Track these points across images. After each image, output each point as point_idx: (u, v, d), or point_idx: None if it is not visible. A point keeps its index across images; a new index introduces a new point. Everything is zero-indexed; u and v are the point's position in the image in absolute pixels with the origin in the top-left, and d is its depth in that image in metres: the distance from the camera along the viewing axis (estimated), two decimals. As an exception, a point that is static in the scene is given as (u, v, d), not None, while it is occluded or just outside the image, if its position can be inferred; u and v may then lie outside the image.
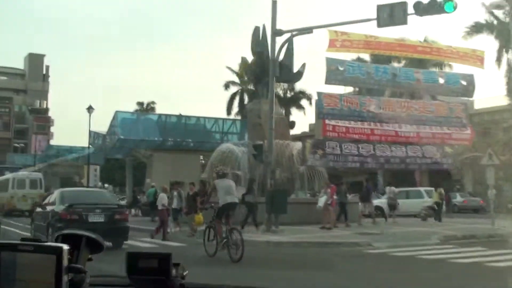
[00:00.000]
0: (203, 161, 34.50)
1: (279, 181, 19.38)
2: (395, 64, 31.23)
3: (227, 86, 55.82)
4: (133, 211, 30.12)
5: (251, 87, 56.62)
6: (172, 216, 18.15)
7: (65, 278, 1.19)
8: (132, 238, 17.38)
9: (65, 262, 1.19)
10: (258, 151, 18.72)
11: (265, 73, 26.01)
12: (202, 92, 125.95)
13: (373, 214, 21.70)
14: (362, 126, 20.43)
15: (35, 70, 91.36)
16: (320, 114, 20.40)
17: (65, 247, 1.21)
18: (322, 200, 19.16)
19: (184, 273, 1.45)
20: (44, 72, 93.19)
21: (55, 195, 15.17)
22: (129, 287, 1.45)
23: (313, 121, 56.54)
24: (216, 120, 34.62)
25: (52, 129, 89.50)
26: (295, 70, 24.75)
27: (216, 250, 11.30)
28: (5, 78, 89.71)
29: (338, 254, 13.86)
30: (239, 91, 55.81)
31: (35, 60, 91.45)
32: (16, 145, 63.71)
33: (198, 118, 33.72)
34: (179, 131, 32.29)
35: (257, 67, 26.40)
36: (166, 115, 31.97)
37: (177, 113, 33.57)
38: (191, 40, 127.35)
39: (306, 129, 56.78)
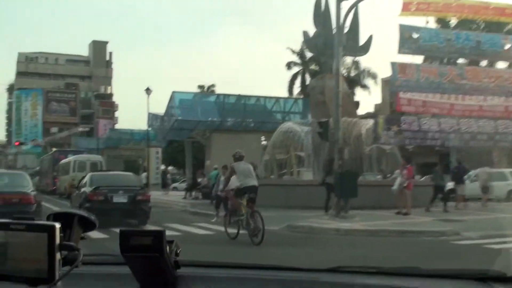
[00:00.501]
0: (264, 142, 32.90)
1: (348, 161, 17.34)
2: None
3: (289, 66, 54.18)
4: (193, 193, 29.00)
5: (313, 66, 54.79)
6: (223, 203, 16.43)
7: (57, 256, 1.16)
8: (189, 223, 15.99)
9: (57, 240, 1.16)
10: (323, 128, 16.77)
11: (329, 46, 24.06)
12: (262, 75, 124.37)
13: (463, 198, 19.19)
14: (441, 101, 18.02)
15: (99, 57, 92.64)
16: (394, 86, 18.16)
17: (57, 225, 1.18)
18: (397, 183, 17.04)
19: (178, 250, 1.44)
20: (108, 58, 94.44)
21: (86, 178, 16.26)
22: (123, 265, 1.42)
23: (378, 101, 53.87)
24: (277, 99, 32.78)
25: (116, 113, 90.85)
26: (361, 43, 22.75)
27: (237, 232, 11.27)
28: (71, 65, 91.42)
29: (421, 244, 11.80)
30: (301, 71, 54.03)
31: (98, 47, 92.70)
32: (81, 129, 64.19)
33: (258, 98, 31.93)
34: (239, 111, 30.67)
35: (320, 40, 24.29)
36: (225, 95, 30.34)
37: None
38: (253, 20, 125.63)
39: (371, 110, 54.11)
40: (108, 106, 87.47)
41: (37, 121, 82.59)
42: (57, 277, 1.17)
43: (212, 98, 30.07)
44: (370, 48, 23.62)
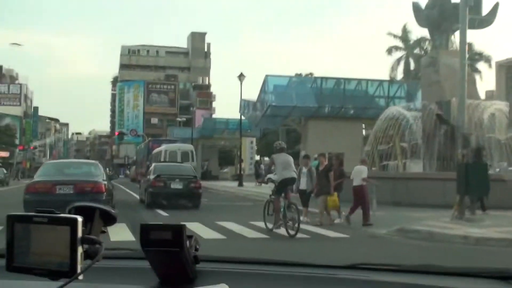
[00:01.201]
0: (366, 130, 29.79)
1: (475, 152, 13.90)
2: None
3: (389, 51, 50.48)
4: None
5: (417, 50, 50.50)
6: (301, 200, 13.69)
7: (79, 249, 1.15)
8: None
9: (79, 233, 1.15)
10: (444, 109, 13.56)
11: (443, 18, 20.55)
12: (361, 63, 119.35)
13: None
14: None
15: (198, 48, 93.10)
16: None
17: (79, 218, 1.17)
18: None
19: (197, 245, 1.44)
20: (206, 49, 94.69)
21: (152, 167, 19.34)
22: (143, 259, 1.41)
23: (492, 87, 48.60)
24: (380, 82, 29.41)
25: (214, 104, 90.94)
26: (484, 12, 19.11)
27: (274, 226, 11.05)
28: (171, 57, 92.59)
29: None
30: (404, 55, 50.14)
31: (197, 38, 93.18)
32: (178, 119, 64.13)
33: (359, 81, 28.75)
34: (337, 96, 27.76)
35: (434, 11, 20.83)
36: (322, 79, 27.49)
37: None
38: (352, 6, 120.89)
39: (482, 97, 48.75)
40: (205, 96, 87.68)
41: (138, 112, 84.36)
42: (78, 270, 1.15)
43: (309, 83, 27.33)
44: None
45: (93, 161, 16.48)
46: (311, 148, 23.86)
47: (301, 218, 13.10)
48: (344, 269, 1.67)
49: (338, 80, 28.35)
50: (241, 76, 33.31)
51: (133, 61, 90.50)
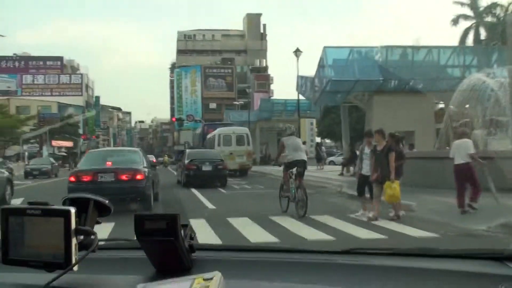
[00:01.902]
0: (441, 105, 26.59)
1: None
2: None
3: (455, 21, 46.30)
4: (351, 169, 23.88)
5: (488, 18, 46.00)
6: (362, 189, 11.12)
7: (74, 241, 1.17)
8: (342, 215, 11.18)
9: (73, 225, 1.17)
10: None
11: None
12: (424, 35, 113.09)
13: None
14: None
15: (253, 30, 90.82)
16: None
17: (72, 209, 1.18)
18: None
19: (193, 234, 1.45)
20: (262, 31, 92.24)
21: (186, 153, 22.66)
22: (138, 250, 1.42)
23: None
24: (454, 49, 26.08)
25: (272, 86, 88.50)
26: None
27: (287, 206, 11.24)
28: (227, 40, 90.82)
29: None
30: (473, 25, 45.86)
31: (252, 20, 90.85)
32: (236, 102, 62.25)
33: (429, 49, 25.45)
34: (405, 68, 24.68)
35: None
36: (388, 47, 24.48)
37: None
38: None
39: None
40: (263, 79, 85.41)
41: (196, 97, 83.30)
42: (73, 261, 1.17)
43: (372, 53, 24.40)
44: None
45: (135, 149, 16.42)
46: (377, 127, 21.08)
47: (362, 212, 10.71)
48: (341, 254, 1.65)
49: (405, 50, 25.23)
50: (297, 52, 30.77)
51: (189, 46, 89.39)
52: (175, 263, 1.37)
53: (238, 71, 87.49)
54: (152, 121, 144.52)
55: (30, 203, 1.21)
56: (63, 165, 53.49)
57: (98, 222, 1.31)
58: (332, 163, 43.34)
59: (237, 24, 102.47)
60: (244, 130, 29.45)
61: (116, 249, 1.72)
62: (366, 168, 10.79)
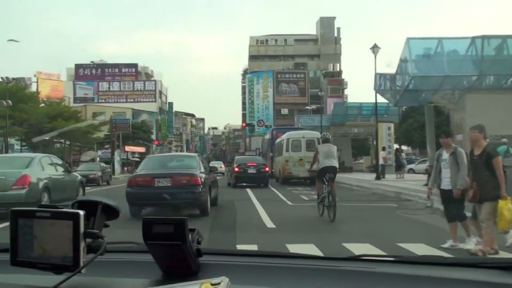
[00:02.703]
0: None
1: None
2: None
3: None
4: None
5: None
6: (449, 208, 7.95)
7: (82, 244, 1.18)
8: (438, 243, 8.10)
9: (81, 228, 1.18)
10: None
11: None
12: None
13: None
14: None
15: (327, 34, 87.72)
16: None
17: (81, 212, 1.19)
18: None
19: (200, 239, 1.43)
20: (336, 34, 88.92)
21: (235, 159, 27.96)
22: (146, 253, 1.41)
23: None
24: None
25: (346, 91, 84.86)
26: None
27: (322, 210, 11.33)
28: (300, 45, 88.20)
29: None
30: None
31: (326, 24, 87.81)
32: (308, 107, 59.34)
33: (533, 40, 21.43)
34: (504, 61, 20.84)
35: None
36: (483, 38, 20.72)
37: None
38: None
39: None
40: (336, 84, 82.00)
41: (268, 103, 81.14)
42: (81, 264, 1.17)
43: (464, 45, 20.73)
44: None
45: (192, 154, 16.11)
46: (468, 130, 17.48)
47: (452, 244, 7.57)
48: (348, 261, 1.63)
49: (504, 40, 21.34)
50: (374, 48, 27.51)
51: (262, 52, 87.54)
52: (182, 267, 1.36)
53: (311, 76, 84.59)
54: (225, 128, 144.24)
55: (39, 206, 1.20)
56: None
57: (106, 226, 1.30)
58: (411, 171, 39.47)
59: (310, 28, 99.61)
60: (315, 134, 26.54)
61: (124, 252, 1.70)
62: (446, 180, 7.77)
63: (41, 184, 12.49)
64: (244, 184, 23.73)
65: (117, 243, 1.70)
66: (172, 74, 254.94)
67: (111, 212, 1.31)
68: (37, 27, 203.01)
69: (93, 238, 1.21)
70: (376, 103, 29.56)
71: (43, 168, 13.09)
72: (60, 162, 15.22)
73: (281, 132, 33.72)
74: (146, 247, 1.35)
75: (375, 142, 38.44)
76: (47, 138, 43.45)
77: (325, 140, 12.05)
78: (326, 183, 11.13)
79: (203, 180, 11.76)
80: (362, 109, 42.81)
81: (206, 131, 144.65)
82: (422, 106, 25.29)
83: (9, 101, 39.51)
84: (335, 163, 11.47)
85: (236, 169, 24.60)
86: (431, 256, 1.99)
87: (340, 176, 30.70)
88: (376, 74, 25.29)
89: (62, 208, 1.20)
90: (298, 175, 25.87)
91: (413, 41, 20.65)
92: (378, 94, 27.33)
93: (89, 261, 1.17)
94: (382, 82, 24.79)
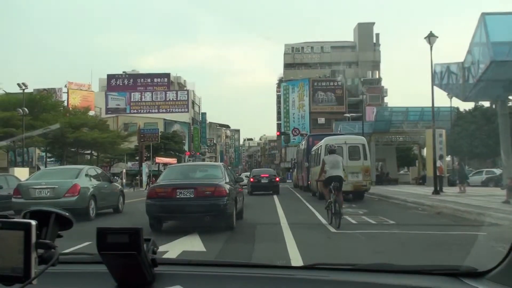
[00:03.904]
0: None
1: None
2: None
3: None
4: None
5: None
6: None
7: (33, 254, 1.13)
8: None
9: (33, 238, 1.13)
10: None
11: None
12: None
13: None
14: None
15: (365, 40, 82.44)
16: None
17: (33, 222, 1.14)
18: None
19: (155, 249, 1.41)
20: (374, 40, 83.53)
21: (251, 172, 34.02)
22: (100, 264, 1.37)
23: None
24: None
25: (386, 99, 79.16)
26: None
27: (331, 218, 11.45)
28: (337, 52, 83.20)
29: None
30: None
31: (364, 30, 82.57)
32: (347, 115, 54.20)
33: None
34: None
35: None
36: None
37: None
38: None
39: None
40: (376, 92, 76.46)
41: (304, 112, 76.22)
42: (32, 275, 1.12)
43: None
44: None
45: (217, 163, 15.16)
46: None
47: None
48: (302, 269, 1.63)
49: None
50: (430, 37, 22.47)
51: (297, 59, 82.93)
52: (137, 277, 1.32)
53: (349, 84, 79.28)
54: (260, 139, 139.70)
55: None
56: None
57: (59, 236, 1.24)
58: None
59: (347, 35, 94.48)
60: (360, 139, 21.71)
61: (78, 263, 1.63)
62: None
63: (88, 192, 13.64)
64: (259, 192, 27.06)
65: (71, 254, 1.66)
66: (207, 87, 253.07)
67: (64, 222, 1.23)
68: (74, 42, 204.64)
69: (45, 248, 1.14)
70: (433, 104, 24.35)
71: (90, 179, 14.29)
72: (103, 173, 16.29)
73: (318, 139, 28.86)
74: (100, 258, 1.30)
75: (422, 151, 33.09)
76: (5, 143, 39.59)
77: (332, 151, 12.45)
78: (333, 191, 11.41)
79: (228, 191, 10.66)
80: (409, 114, 37.55)
81: (241, 142, 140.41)
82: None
83: (25, 109, 36.04)
84: (341, 173, 11.86)
85: (252, 179, 28.38)
86: (383, 264, 1.59)
87: (386, 190, 25.63)
88: (435, 65, 20.23)
89: (13, 218, 1.12)
90: (339, 189, 21.04)
91: (491, 18, 15.56)
92: (435, 95, 22.25)
93: (40, 272, 1.10)
94: (445, 73, 19.66)
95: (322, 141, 22.44)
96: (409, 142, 41.25)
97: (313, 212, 15.83)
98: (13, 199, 13.53)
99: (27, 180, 14.77)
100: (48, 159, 55.32)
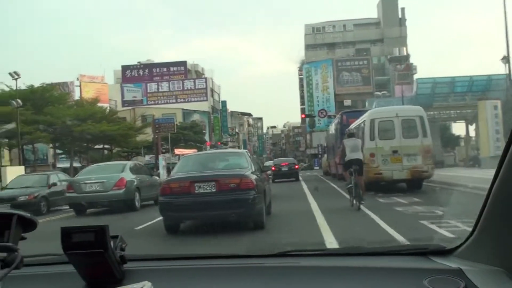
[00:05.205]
0: None
1: None
2: None
3: None
4: None
5: None
6: None
7: None
8: None
9: None
10: None
11: None
12: None
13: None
14: None
15: (390, 16, 75.83)
16: None
17: None
18: None
19: (124, 245, 1.37)
20: (400, 16, 76.85)
21: (271, 161, 36.71)
22: (67, 264, 1.33)
23: None
24: None
25: (415, 76, 72.54)
26: None
27: (352, 201, 11.37)
28: (360, 30, 76.87)
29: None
30: None
31: (389, 5, 75.88)
32: (378, 93, 48.21)
33: None
34: None
35: None
36: None
37: None
38: None
39: None
40: (405, 69, 69.97)
41: (328, 94, 70.32)
42: None
43: None
44: None
45: (241, 150, 13.89)
46: None
47: None
48: (273, 257, 1.59)
49: None
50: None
51: (319, 40, 76.87)
52: (105, 275, 1.28)
53: (375, 62, 73.07)
54: (284, 126, 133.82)
55: None
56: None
57: (23, 238, 1.19)
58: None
59: (371, 11, 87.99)
60: (416, 110, 15.99)
61: (43, 265, 1.55)
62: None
63: (133, 185, 14.39)
64: (280, 180, 27.65)
65: (36, 256, 1.56)
66: (226, 78, 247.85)
67: (27, 224, 1.17)
68: (91, 37, 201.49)
69: (7, 251, 1.09)
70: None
71: (133, 172, 15.02)
72: (144, 167, 17.75)
73: (353, 117, 23.26)
74: (66, 258, 1.26)
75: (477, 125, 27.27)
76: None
77: (351, 135, 12.29)
78: (353, 174, 11.23)
79: (256, 182, 8.70)
80: (455, 86, 31.51)
81: (264, 130, 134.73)
82: None
83: (19, 101, 31.24)
84: (361, 156, 11.79)
85: (273, 168, 28.44)
86: (352, 247, 1.61)
87: (440, 175, 19.90)
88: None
89: None
90: (392, 176, 15.40)
91: None
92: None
93: (3, 276, 1.06)
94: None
95: (366, 114, 16.77)
96: (456, 118, 35.13)
97: (367, 213, 10.33)
98: (67, 194, 14.63)
99: (77, 176, 15.81)
100: (60, 156, 51.02)
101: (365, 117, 16.57)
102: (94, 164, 19.55)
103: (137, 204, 14.24)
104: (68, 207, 15.54)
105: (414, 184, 15.83)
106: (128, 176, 14.48)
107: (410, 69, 71.31)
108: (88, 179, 14.32)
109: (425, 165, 15.27)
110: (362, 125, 16.62)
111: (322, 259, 1.57)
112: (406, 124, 15.49)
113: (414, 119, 15.46)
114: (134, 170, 15.39)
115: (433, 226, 8.17)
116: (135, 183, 14.52)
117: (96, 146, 48.50)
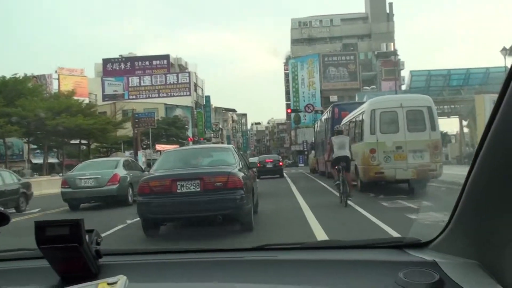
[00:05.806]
0: None
1: None
2: None
3: None
4: None
5: None
6: None
7: None
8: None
9: None
10: None
11: None
12: None
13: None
14: None
15: (378, 11, 74.07)
16: None
17: None
18: None
19: (99, 239, 1.35)
20: (388, 11, 75.12)
21: (257, 158, 36.76)
22: (41, 259, 1.29)
23: None
24: None
25: (403, 72, 70.87)
26: None
27: (340, 198, 11.34)
28: (347, 25, 75.00)
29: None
30: None
31: (376, 0, 74.10)
32: (367, 87, 46.24)
33: None
34: None
35: None
36: None
37: None
38: None
39: None
40: (391, 65, 68.27)
41: (314, 90, 68.36)
42: None
43: None
44: None
45: (227, 146, 11.57)
46: None
47: None
48: (251, 251, 1.59)
49: None
50: None
51: (305, 34, 74.75)
52: (80, 270, 1.25)
53: (362, 58, 71.24)
54: (268, 122, 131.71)
55: None
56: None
57: None
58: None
59: (358, 6, 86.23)
60: (423, 99, 13.86)
61: (18, 260, 1.53)
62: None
63: (126, 181, 14.67)
64: (265, 176, 26.65)
65: (8, 251, 1.55)
66: (210, 74, 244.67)
67: (0, 219, 1.14)
68: (71, 28, 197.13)
69: None
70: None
71: (126, 168, 15.25)
72: (136, 163, 18.14)
73: (346, 110, 21.20)
74: (40, 253, 1.23)
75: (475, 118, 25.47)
76: None
77: (339, 132, 12.11)
78: (341, 171, 11.25)
79: (244, 180, 7.83)
80: (451, 79, 29.64)
81: (249, 127, 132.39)
82: None
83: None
84: (348, 153, 11.61)
85: (258, 164, 26.29)
86: (331, 240, 1.76)
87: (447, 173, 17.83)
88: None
89: None
90: (395, 176, 13.29)
91: None
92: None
93: None
94: None
95: (366, 104, 14.61)
96: (448, 114, 33.27)
97: (369, 218, 8.22)
98: (62, 189, 14.70)
99: (72, 172, 15.80)
100: (35, 151, 48.27)
101: (364, 107, 14.41)
102: (88, 160, 19.89)
103: (130, 199, 14.36)
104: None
105: (419, 185, 13.73)
106: (122, 172, 14.81)
107: (397, 65, 69.67)
108: (82, 175, 14.61)
109: (433, 163, 13.16)
110: (361, 117, 14.47)
111: (300, 252, 1.56)
112: (412, 115, 13.37)
113: (422, 110, 13.33)
114: (127, 166, 15.66)
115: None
116: (128, 179, 14.82)
117: (73, 141, 46.03)
